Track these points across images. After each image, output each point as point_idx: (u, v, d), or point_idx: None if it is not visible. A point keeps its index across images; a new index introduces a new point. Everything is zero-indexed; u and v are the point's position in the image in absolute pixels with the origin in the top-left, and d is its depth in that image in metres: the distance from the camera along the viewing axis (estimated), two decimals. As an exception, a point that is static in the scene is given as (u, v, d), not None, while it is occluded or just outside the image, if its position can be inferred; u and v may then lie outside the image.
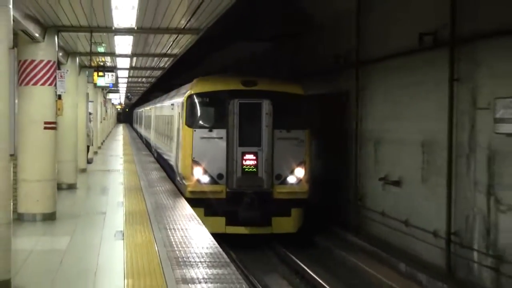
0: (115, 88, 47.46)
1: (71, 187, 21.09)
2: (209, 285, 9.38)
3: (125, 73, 35.85)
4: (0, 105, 9.04)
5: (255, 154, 18.84)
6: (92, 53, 21.57)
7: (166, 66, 30.22)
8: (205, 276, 9.85)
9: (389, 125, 18.11)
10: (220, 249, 11.85)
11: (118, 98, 65.91)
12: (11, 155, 9.24)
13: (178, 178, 20.74)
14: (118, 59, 26.53)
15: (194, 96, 19.60)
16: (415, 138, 16.45)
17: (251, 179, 18.80)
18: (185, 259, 11.00)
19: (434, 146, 15.58)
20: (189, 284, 9.37)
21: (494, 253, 13.28)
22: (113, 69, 28.09)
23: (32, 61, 15.11)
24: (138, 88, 59.55)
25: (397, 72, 17.64)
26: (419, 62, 16.40)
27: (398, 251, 16.99)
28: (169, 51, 22.54)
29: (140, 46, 21.34)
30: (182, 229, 13.79)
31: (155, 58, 26.10)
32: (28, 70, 15.05)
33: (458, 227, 14.51)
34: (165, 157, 26.88)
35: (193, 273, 10.05)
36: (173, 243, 12.30)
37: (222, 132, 18.97)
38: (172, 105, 24.80)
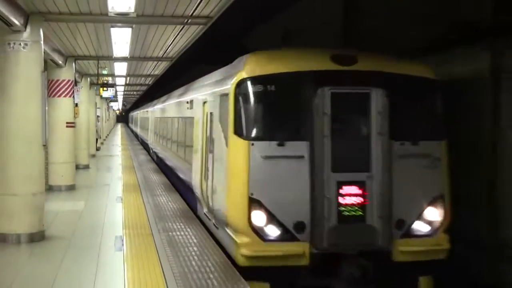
0: (115, 98, 46.59)
1: (85, 167, 20.84)
2: (181, 232, 9.41)
3: (121, 88, 35.50)
4: (35, 111, 9.06)
5: (362, 185, 7.45)
6: (98, 74, 21.35)
7: (150, 83, 30.09)
8: (178, 227, 9.87)
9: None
10: (187, 207, 11.84)
11: (117, 105, 65.19)
12: (43, 145, 9.25)
13: (210, 217, 9.25)
14: (117, 78, 26.25)
15: (249, 83, 7.58)
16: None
17: (356, 230, 7.47)
18: (164, 215, 10.99)
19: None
20: (168, 232, 9.38)
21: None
22: (113, 85, 27.79)
23: (57, 80, 14.97)
24: (131, 98, 59.26)
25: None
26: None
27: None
28: (152, 73, 22.45)
29: (132, 69, 21.18)
30: (162, 195, 13.74)
31: (143, 77, 25.94)
32: (54, 86, 14.92)
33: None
34: (170, 163, 16.48)
35: (170, 225, 10.06)
36: (157, 205, 12.27)
37: (302, 147, 7.42)
38: (189, 103, 12.47)
